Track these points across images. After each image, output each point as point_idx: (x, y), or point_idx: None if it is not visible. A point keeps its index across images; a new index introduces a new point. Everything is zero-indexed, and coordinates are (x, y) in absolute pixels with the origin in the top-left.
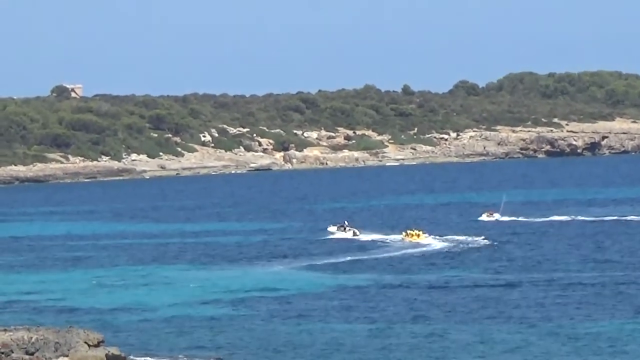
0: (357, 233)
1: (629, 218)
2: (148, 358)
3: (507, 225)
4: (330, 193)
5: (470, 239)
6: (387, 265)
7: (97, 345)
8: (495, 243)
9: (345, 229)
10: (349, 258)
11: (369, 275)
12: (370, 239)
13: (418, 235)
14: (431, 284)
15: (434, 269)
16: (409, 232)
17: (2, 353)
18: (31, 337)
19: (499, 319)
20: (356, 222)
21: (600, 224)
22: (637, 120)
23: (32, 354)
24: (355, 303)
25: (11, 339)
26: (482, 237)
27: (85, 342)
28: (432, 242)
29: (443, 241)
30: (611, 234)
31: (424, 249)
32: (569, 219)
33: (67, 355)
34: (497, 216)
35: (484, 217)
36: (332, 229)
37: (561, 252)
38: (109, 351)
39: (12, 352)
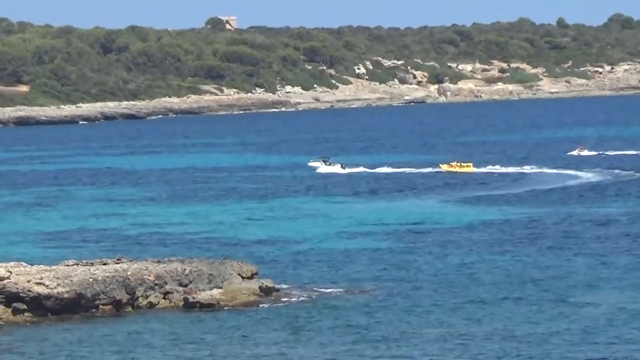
0: (344, 167)
1: None
2: (301, 291)
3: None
4: (456, 127)
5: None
6: (525, 198)
7: (250, 277)
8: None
9: (329, 163)
10: (487, 192)
11: (509, 208)
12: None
13: (466, 166)
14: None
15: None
16: (452, 164)
17: (156, 284)
18: (185, 269)
19: None
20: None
21: None
22: None
23: (186, 285)
24: (504, 236)
25: (165, 271)
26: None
27: (239, 274)
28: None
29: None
30: None
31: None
32: None
33: (220, 287)
34: (586, 152)
35: (576, 152)
36: (314, 163)
37: None
38: (262, 283)
39: (166, 284)
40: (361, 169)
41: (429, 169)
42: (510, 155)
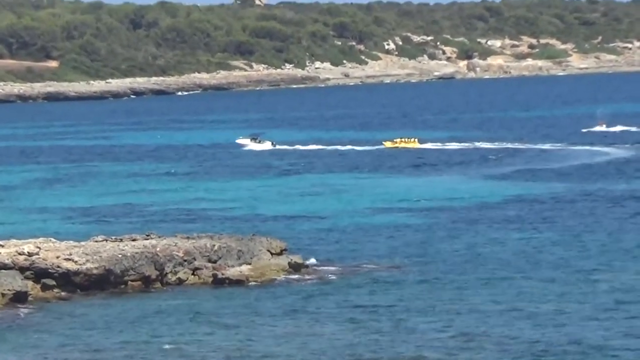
0: (275, 144)
1: None
2: (329, 266)
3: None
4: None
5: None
6: (552, 175)
7: (279, 254)
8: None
9: (259, 140)
10: (515, 168)
11: (539, 184)
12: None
13: (411, 142)
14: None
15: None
16: (396, 140)
17: (185, 261)
18: (214, 245)
19: None
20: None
21: None
22: None
23: (215, 261)
24: (527, 213)
25: (194, 247)
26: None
27: (268, 250)
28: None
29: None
30: None
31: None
32: None
33: (249, 264)
34: (605, 127)
35: (598, 128)
36: (243, 140)
37: None
38: (291, 259)
39: (195, 260)
40: (295, 147)
41: (372, 147)
42: (529, 131)
